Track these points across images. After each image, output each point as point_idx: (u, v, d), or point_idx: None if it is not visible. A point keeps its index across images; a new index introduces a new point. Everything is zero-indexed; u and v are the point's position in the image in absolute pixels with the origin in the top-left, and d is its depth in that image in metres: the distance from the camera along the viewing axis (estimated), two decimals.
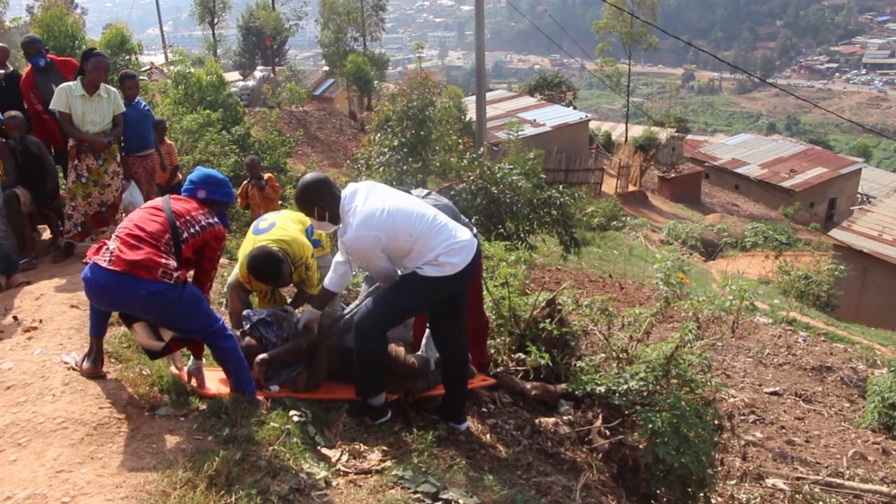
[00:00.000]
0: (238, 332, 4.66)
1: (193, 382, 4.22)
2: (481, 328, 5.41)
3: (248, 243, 5.04)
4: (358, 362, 4.38)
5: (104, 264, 3.63)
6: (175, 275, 3.69)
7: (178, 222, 3.88)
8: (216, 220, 4.07)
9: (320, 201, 4.16)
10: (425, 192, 5.04)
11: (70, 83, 6.38)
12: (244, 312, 4.83)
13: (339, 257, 4.35)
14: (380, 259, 4.11)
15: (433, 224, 4.19)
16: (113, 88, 6.69)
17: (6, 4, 17.18)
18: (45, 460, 3.27)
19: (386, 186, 4.38)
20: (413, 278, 4.19)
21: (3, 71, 7.11)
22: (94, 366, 4.03)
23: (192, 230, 3.90)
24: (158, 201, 4.03)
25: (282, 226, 5.13)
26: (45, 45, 7.42)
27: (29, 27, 19.55)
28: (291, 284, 5.24)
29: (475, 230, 5.16)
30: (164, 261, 3.69)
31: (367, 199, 4.14)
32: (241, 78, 38.31)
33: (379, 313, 4.21)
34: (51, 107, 6.39)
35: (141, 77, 10.18)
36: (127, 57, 16.31)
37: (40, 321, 4.81)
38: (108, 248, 3.72)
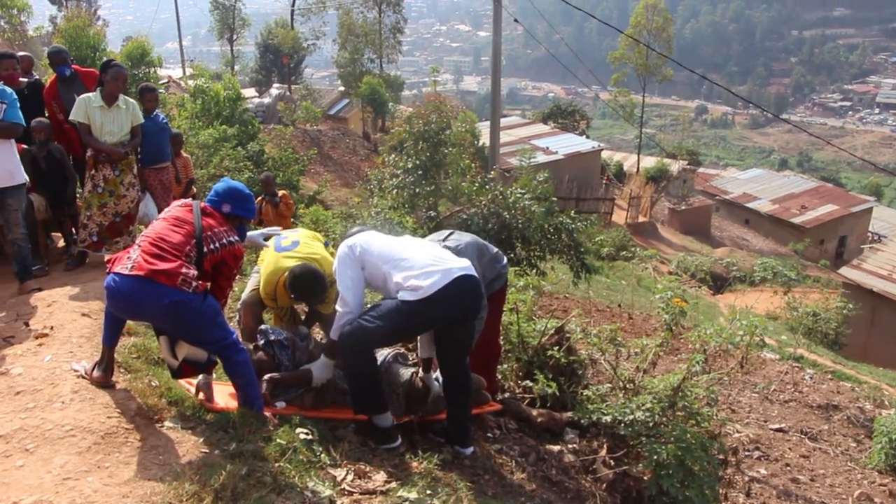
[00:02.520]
0: (251, 346, 4.68)
1: (201, 396, 4.24)
2: (493, 356, 5.42)
3: (271, 261, 5.05)
4: (348, 380, 4.45)
5: (126, 272, 3.67)
6: (194, 284, 3.72)
7: (202, 234, 3.92)
8: (236, 237, 4.11)
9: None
10: (447, 233, 5.11)
11: (90, 94, 6.46)
12: (262, 327, 4.86)
13: (342, 308, 4.35)
14: (352, 270, 4.35)
15: (408, 251, 4.35)
16: (132, 100, 6.78)
17: (30, 14, 17.39)
18: (51, 467, 3.29)
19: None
20: (392, 303, 4.25)
21: (26, 79, 7.20)
22: (104, 375, 4.05)
23: (212, 246, 3.93)
24: (185, 211, 4.05)
25: (307, 244, 5.17)
26: (71, 56, 7.54)
27: (52, 37, 19.79)
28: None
29: (504, 262, 5.22)
30: (184, 269, 3.73)
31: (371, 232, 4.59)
32: (257, 95, 38.56)
33: (360, 333, 4.23)
34: (70, 117, 6.46)
35: (159, 90, 10.31)
36: (146, 70, 16.46)
37: (51, 328, 4.84)
38: (129, 257, 3.76)
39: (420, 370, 4.94)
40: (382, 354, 4.92)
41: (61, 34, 15.38)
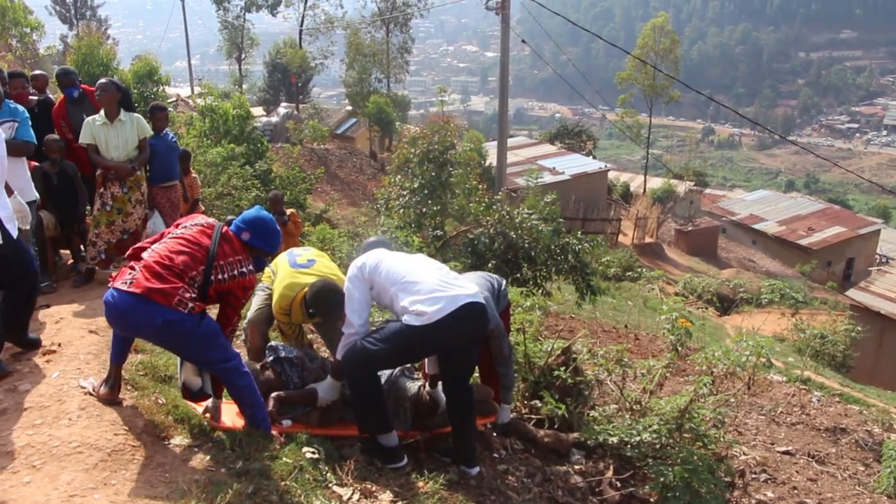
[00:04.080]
0: (258, 366, 4.69)
1: (208, 415, 4.24)
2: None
3: (286, 276, 5.05)
4: (353, 401, 4.46)
5: (124, 287, 3.69)
6: (190, 305, 3.73)
7: (214, 263, 3.89)
8: (250, 268, 4.05)
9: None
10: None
11: (95, 116, 6.57)
12: (271, 344, 4.87)
13: (346, 329, 4.40)
14: (360, 292, 4.38)
15: (416, 273, 4.35)
16: (136, 114, 6.84)
17: (42, 33, 17.57)
18: (58, 484, 3.29)
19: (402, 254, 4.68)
20: (396, 326, 4.28)
21: (35, 98, 7.27)
22: (111, 392, 4.06)
23: (220, 276, 3.91)
24: (203, 233, 4.01)
25: (324, 263, 5.19)
26: (79, 77, 7.63)
27: (65, 56, 19.98)
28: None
29: (503, 284, 5.24)
30: (181, 291, 3.74)
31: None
32: (265, 114, 38.78)
33: (364, 355, 4.27)
34: (80, 141, 6.58)
35: (168, 109, 10.37)
36: (155, 88, 16.59)
37: (59, 345, 4.85)
38: (130, 273, 3.78)
39: (427, 384, 4.95)
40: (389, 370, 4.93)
41: (74, 53, 15.54)
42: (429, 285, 4.27)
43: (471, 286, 4.46)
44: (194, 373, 4.06)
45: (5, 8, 16.47)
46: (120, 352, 4.08)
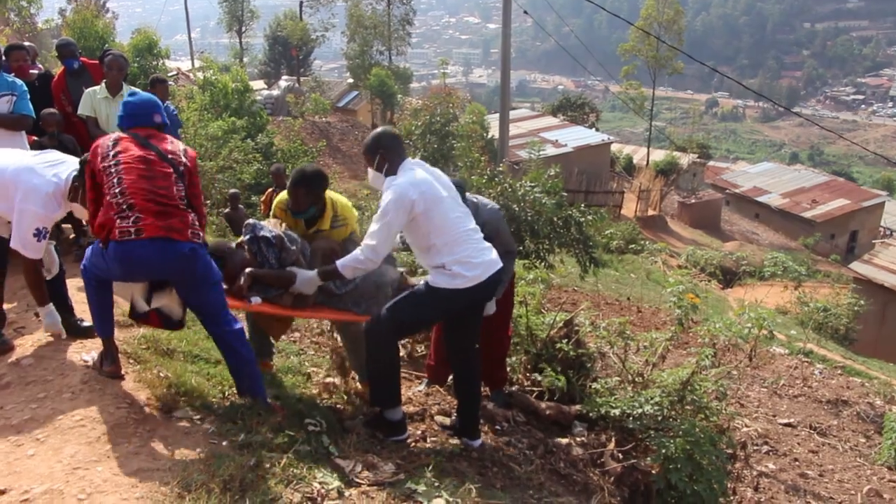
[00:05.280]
0: (234, 244, 4.63)
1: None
2: (502, 347, 5.44)
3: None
4: (370, 370, 4.44)
5: (133, 237, 3.63)
6: (200, 234, 3.83)
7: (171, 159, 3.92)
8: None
9: (385, 151, 4.27)
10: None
11: (95, 87, 6.53)
12: (249, 221, 4.66)
13: (367, 253, 4.14)
14: (399, 224, 4.11)
15: (465, 233, 4.23)
16: (137, 89, 6.80)
17: (40, 6, 17.43)
18: (62, 457, 3.30)
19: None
20: (425, 291, 4.24)
21: (36, 71, 7.22)
22: (113, 366, 4.05)
23: (181, 166, 3.92)
24: (136, 147, 3.87)
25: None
26: (79, 49, 7.58)
27: (61, 30, 19.85)
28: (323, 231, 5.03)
29: (512, 252, 5.17)
30: (189, 219, 3.80)
31: (433, 174, 4.32)
32: (265, 87, 38.59)
33: (389, 321, 4.23)
34: (78, 112, 6.54)
35: (169, 82, 10.28)
36: (155, 62, 16.48)
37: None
38: (129, 220, 3.67)
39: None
40: None
41: (70, 26, 15.43)
42: (470, 246, 4.19)
43: (493, 250, 4.38)
44: (179, 304, 4.05)
45: None
46: (105, 326, 4.00)
